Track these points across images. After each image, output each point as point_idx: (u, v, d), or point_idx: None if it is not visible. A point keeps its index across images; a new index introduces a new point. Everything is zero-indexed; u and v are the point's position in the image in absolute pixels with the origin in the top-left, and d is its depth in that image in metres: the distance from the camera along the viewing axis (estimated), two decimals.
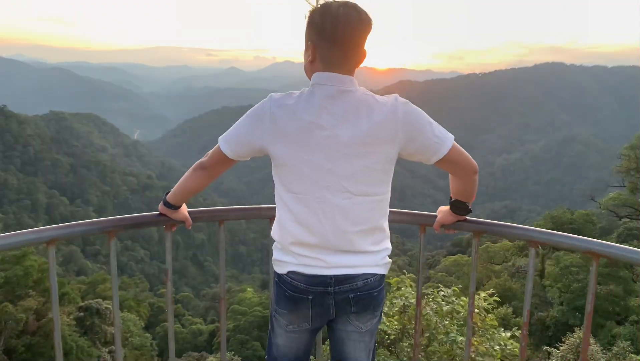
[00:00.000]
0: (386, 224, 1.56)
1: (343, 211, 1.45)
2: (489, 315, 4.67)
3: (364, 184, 1.44)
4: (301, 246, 1.50)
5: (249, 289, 22.89)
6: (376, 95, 1.45)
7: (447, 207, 1.74)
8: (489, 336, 4.54)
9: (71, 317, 14.80)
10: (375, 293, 1.53)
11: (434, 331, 4.26)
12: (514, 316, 12.96)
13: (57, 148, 68.28)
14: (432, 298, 4.70)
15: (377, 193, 1.47)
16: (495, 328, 4.62)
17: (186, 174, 1.64)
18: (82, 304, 15.45)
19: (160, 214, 1.75)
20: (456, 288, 4.75)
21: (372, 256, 1.52)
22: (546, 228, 20.30)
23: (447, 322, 4.29)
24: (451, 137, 1.47)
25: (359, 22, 1.36)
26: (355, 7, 1.37)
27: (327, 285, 1.48)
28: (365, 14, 1.38)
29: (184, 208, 1.77)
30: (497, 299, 4.66)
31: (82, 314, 15.26)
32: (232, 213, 1.92)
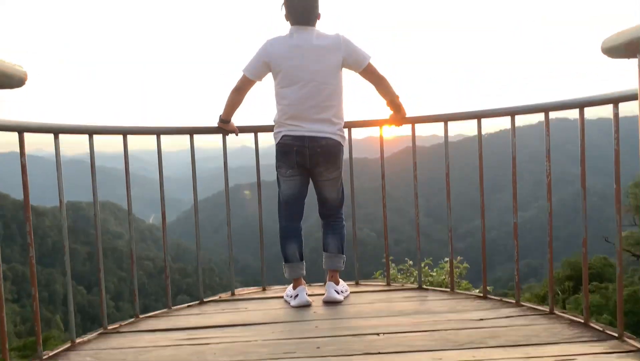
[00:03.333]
0: (342, 108, 2.47)
1: (313, 93, 2.37)
2: (463, 281, 5.82)
3: (325, 77, 2.38)
4: (289, 119, 2.41)
5: None
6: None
7: (391, 113, 2.58)
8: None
9: None
10: (334, 150, 2.43)
11: None
12: None
13: (74, 238, 68.88)
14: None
15: (333, 83, 2.40)
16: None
17: (227, 97, 2.53)
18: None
19: (218, 127, 2.66)
20: (444, 263, 5.91)
21: (333, 126, 2.42)
22: (565, 275, 19.43)
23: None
24: (370, 55, 2.42)
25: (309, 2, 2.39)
26: None
27: (304, 141, 2.39)
28: None
29: (233, 123, 2.65)
30: (467, 265, 6.00)
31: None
32: (261, 128, 2.76)
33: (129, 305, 52.38)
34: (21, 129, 1.95)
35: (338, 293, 2.55)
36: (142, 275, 69.72)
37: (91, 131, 2.36)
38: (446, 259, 6.01)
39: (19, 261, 54.91)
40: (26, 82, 1.15)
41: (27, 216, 2.03)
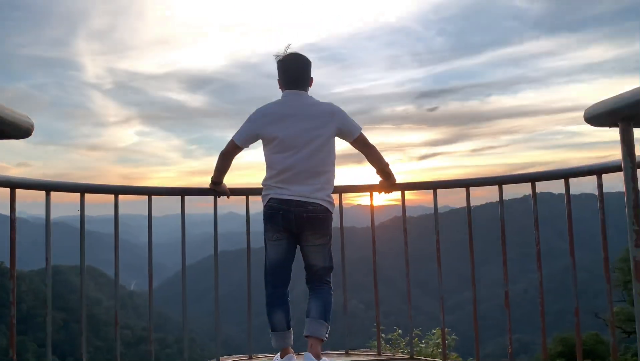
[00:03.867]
0: (333, 176, 2.48)
1: (305, 159, 2.37)
2: (453, 354, 5.68)
3: (318, 144, 2.38)
4: (279, 182, 2.40)
5: None
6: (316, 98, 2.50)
7: (381, 180, 2.67)
8: None
9: None
10: (321, 217, 2.38)
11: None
12: None
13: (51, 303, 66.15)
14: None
15: (326, 150, 2.42)
16: None
17: (216, 161, 2.59)
18: None
19: (209, 188, 2.69)
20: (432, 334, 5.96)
21: (321, 191, 2.39)
22: (557, 351, 18.87)
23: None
24: (361, 126, 2.48)
25: (301, 61, 2.50)
26: (298, 54, 2.51)
27: (289, 205, 2.36)
28: (304, 56, 2.51)
29: (225, 185, 2.71)
30: (455, 337, 5.99)
31: None
32: (252, 190, 2.79)
33: None
34: (13, 185, 1.94)
35: None
36: (120, 345, 66.68)
37: (83, 189, 2.38)
38: (434, 331, 5.91)
39: None
40: (32, 133, 1.17)
41: (12, 274, 1.97)
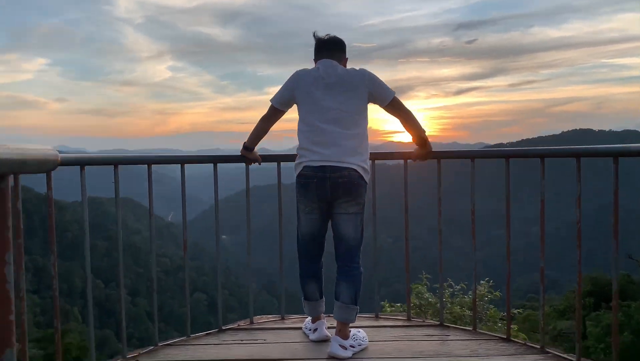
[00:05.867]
0: (366, 142, 2.41)
1: (338, 122, 2.33)
2: (492, 308, 5.49)
3: (350, 108, 2.35)
4: (312, 144, 2.34)
5: None
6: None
7: (417, 147, 2.56)
8: (489, 325, 5.37)
9: None
10: (356, 183, 2.31)
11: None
12: None
13: (94, 233, 69.92)
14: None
15: (358, 115, 2.37)
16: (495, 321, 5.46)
17: (255, 125, 2.60)
18: None
19: (241, 155, 2.67)
20: (463, 285, 5.60)
21: (358, 156, 2.34)
22: (586, 290, 18.98)
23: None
24: (394, 92, 2.41)
25: (335, 38, 2.52)
26: (335, 36, 2.54)
27: (325, 171, 2.30)
28: (338, 37, 2.54)
29: (256, 151, 2.68)
30: (499, 294, 5.58)
31: None
32: (284, 157, 2.77)
33: (145, 300, 52.85)
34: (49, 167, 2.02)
35: (345, 348, 2.33)
36: (159, 272, 70.38)
37: (116, 161, 2.44)
38: (461, 286, 5.59)
39: (39, 254, 56.00)
40: (59, 164, 1.18)
41: (52, 250, 2.10)
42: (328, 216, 2.44)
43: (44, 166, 1.07)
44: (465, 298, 5.47)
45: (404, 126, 2.49)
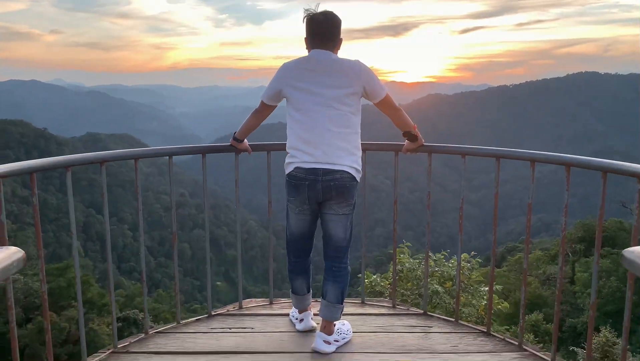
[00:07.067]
0: (359, 138, 2.35)
1: (330, 118, 2.25)
2: (474, 272, 5.37)
3: (342, 102, 2.25)
4: (303, 143, 2.27)
5: None
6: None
7: (407, 141, 2.59)
8: (471, 291, 5.28)
9: (110, 327, 15.03)
10: (348, 185, 2.28)
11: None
12: (544, 322, 12.55)
13: (93, 168, 69.87)
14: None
15: (350, 110, 2.27)
16: (479, 284, 5.38)
17: (247, 118, 2.54)
18: (121, 315, 15.70)
19: (231, 145, 2.65)
20: (445, 253, 5.52)
21: (350, 156, 2.28)
22: (577, 236, 19.27)
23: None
24: (386, 89, 2.33)
25: (331, 19, 2.30)
26: (328, 12, 2.31)
27: (317, 174, 2.25)
28: (334, 14, 2.31)
29: (246, 142, 2.66)
30: (479, 260, 5.54)
31: (120, 324, 15.48)
32: (275, 146, 2.72)
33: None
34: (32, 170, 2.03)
35: (329, 343, 2.41)
36: (159, 208, 71.42)
37: (102, 159, 2.36)
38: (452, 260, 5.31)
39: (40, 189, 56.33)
40: (25, 263, 1.01)
41: (39, 255, 2.09)
42: (317, 214, 2.43)
43: (7, 272, 0.88)
44: (447, 265, 5.30)
45: (394, 123, 2.49)
